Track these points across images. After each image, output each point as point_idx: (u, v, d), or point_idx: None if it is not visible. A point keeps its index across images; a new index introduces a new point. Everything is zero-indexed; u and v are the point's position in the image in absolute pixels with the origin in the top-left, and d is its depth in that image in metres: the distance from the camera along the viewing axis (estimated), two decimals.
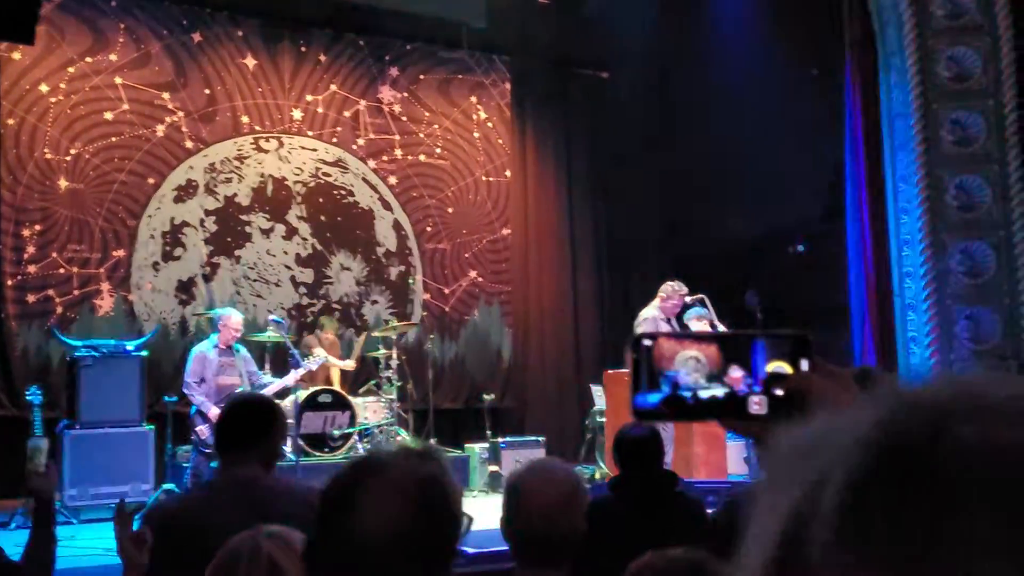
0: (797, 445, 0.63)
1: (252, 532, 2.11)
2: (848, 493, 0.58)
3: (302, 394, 10.72)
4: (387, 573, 1.53)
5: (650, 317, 10.13)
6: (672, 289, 10.32)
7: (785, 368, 1.16)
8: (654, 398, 1.17)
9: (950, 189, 9.79)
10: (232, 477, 3.69)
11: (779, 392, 1.15)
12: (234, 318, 9.94)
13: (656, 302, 10.35)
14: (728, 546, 0.66)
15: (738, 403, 1.15)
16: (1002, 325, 9.62)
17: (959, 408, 0.59)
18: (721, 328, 10.20)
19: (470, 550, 6.47)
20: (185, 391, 9.78)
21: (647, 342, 1.17)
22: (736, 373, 1.15)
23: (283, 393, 10.36)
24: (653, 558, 2.39)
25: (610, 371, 11.30)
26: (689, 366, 1.15)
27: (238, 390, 9.62)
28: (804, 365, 1.17)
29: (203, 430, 9.45)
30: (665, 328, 10.02)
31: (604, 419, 11.42)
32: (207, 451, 9.32)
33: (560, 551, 2.77)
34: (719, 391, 1.15)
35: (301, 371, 10.39)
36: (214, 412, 9.35)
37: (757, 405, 1.14)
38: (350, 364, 12.20)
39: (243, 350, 10.07)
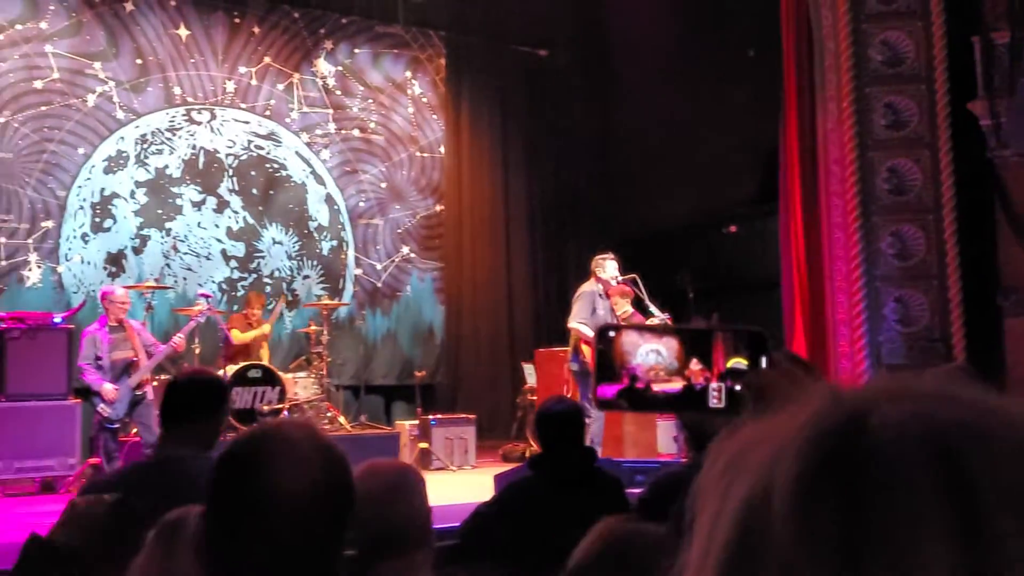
0: (744, 441, 0.67)
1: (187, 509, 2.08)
2: (796, 477, 0.61)
3: (231, 369, 10.60)
4: (288, 536, 1.52)
5: (587, 291, 10.05)
6: (602, 260, 10.24)
7: (744, 364, 1.17)
8: (615, 389, 1.18)
9: (881, 172, 9.90)
10: (166, 456, 3.65)
11: (738, 387, 1.16)
12: (117, 292, 9.66)
13: (592, 279, 10.27)
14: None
15: (697, 396, 1.16)
16: (930, 308, 9.75)
17: (882, 396, 0.64)
18: (652, 307, 10.25)
19: None
20: (79, 375, 9.55)
21: (611, 333, 1.18)
22: (696, 367, 1.16)
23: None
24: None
25: (541, 349, 11.31)
26: (650, 359, 1.16)
27: (132, 361, 9.47)
28: (763, 362, 1.18)
29: (104, 408, 9.30)
30: (601, 302, 10.01)
31: (535, 397, 11.44)
32: (112, 427, 9.19)
33: (403, 541, 2.68)
34: (678, 384, 1.16)
35: (188, 326, 10.25)
36: (107, 388, 9.19)
37: (716, 399, 1.15)
38: (266, 328, 11.86)
39: (135, 323, 9.81)
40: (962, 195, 9.71)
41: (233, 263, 13.29)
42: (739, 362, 1.19)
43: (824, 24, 10.17)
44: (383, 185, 14.47)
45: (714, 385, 1.18)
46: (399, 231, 14.54)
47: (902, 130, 9.90)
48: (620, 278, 10.29)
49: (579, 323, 9.77)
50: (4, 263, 11.75)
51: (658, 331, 1.21)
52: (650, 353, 1.18)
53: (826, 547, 0.59)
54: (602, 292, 10.02)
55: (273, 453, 1.59)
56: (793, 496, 0.61)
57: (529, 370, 12.18)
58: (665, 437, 10.60)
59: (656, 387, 1.18)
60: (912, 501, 0.59)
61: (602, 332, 1.21)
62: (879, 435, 0.61)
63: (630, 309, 10.39)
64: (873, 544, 0.58)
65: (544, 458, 4.48)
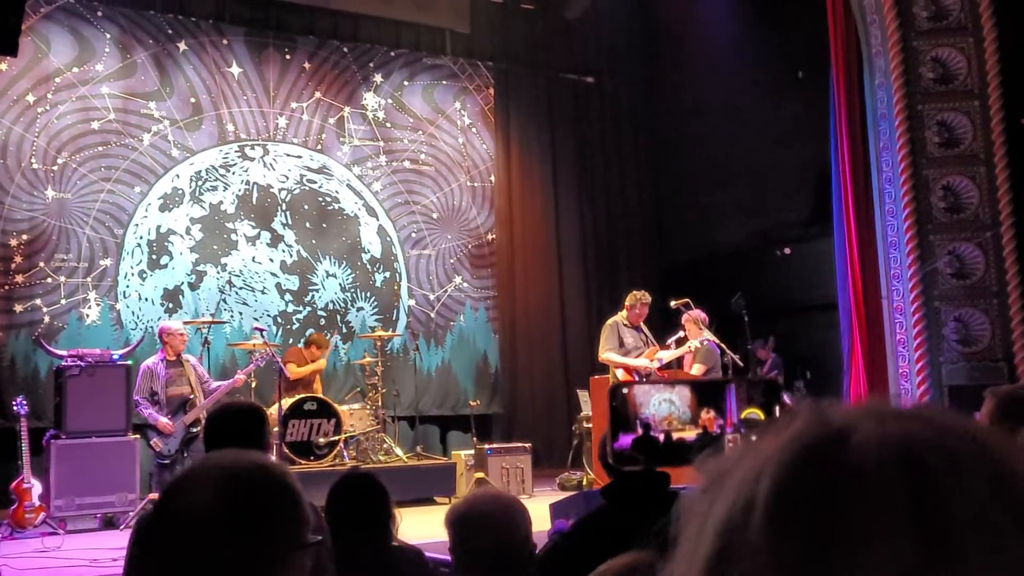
0: (732, 457, 0.70)
1: None
2: (774, 491, 0.64)
3: (287, 402, 10.65)
4: (207, 551, 1.58)
5: (612, 323, 10.22)
6: (636, 298, 10.35)
7: (758, 414, 1.17)
8: (630, 440, 1.17)
9: (936, 190, 9.78)
10: None
11: (753, 438, 1.14)
12: (174, 326, 9.90)
13: (623, 311, 10.35)
14: None
15: (712, 446, 1.15)
16: (991, 327, 9.59)
17: (863, 415, 0.66)
18: (705, 331, 10.17)
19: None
20: (135, 407, 9.75)
21: (624, 390, 1.18)
22: (708, 415, 1.16)
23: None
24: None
25: (596, 376, 11.25)
26: (663, 409, 1.16)
27: (189, 398, 9.62)
28: (776, 411, 1.17)
29: (157, 443, 9.44)
30: (629, 334, 10.07)
31: (591, 424, 11.38)
32: (164, 462, 9.33)
33: (509, 568, 2.72)
34: (692, 433, 1.16)
35: (250, 368, 10.40)
36: (163, 422, 9.42)
37: (731, 449, 1.14)
38: (321, 363, 11.88)
39: (192, 359, 10.01)
40: (1020, 212, 9.57)
41: (288, 296, 13.39)
42: (753, 412, 1.18)
43: (873, 42, 10.10)
44: (435, 216, 14.53)
45: (729, 435, 1.17)
46: (451, 261, 14.58)
47: (956, 147, 9.78)
48: (645, 302, 10.32)
49: (608, 352, 10.14)
50: (64, 302, 11.93)
51: (671, 382, 1.20)
52: (663, 403, 1.18)
53: (796, 559, 0.61)
54: (627, 322, 10.15)
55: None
56: (770, 509, 0.63)
57: (584, 397, 12.12)
58: None
59: (672, 436, 1.17)
60: (882, 515, 0.60)
61: (613, 390, 1.21)
62: (858, 452, 0.63)
63: (695, 339, 10.23)
64: (840, 556, 0.60)
65: (616, 486, 4.47)
